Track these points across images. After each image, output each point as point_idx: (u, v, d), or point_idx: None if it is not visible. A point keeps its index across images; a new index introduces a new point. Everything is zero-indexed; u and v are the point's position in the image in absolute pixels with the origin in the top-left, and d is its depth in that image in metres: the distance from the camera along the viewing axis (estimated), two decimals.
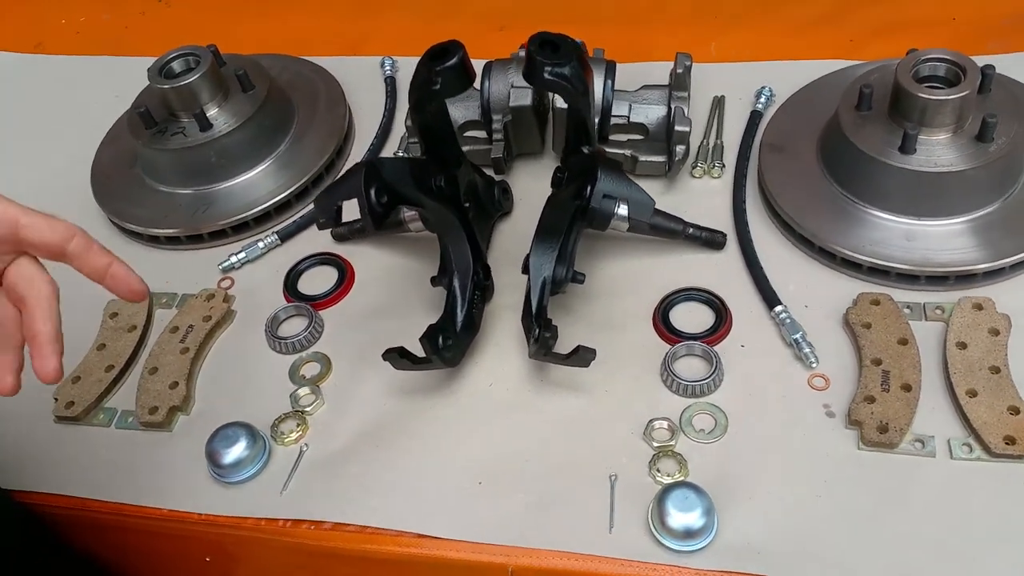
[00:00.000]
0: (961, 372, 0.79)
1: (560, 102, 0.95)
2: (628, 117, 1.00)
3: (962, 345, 0.81)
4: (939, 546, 0.71)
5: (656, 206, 0.85)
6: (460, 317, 0.83)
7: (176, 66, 1.03)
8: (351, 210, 0.86)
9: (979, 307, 0.83)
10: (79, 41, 1.39)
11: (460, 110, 1.01)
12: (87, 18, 1.42)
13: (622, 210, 0.86)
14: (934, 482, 0.75)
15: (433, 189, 0.85)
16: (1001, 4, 1.14)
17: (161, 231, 1.02)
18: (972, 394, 0.78)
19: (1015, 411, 0.76)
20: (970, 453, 0.76)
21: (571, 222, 0.83)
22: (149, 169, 1.05)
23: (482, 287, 0.87)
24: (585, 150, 0.86)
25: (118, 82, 1.22)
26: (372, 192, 0.77)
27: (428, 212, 0.84)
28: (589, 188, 0.75)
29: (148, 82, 1.03)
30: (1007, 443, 0.75)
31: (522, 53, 1.00)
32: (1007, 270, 0.86)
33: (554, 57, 0.79)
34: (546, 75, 0.78)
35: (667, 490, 0.74)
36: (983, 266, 0.85)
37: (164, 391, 0.88)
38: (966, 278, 0.86)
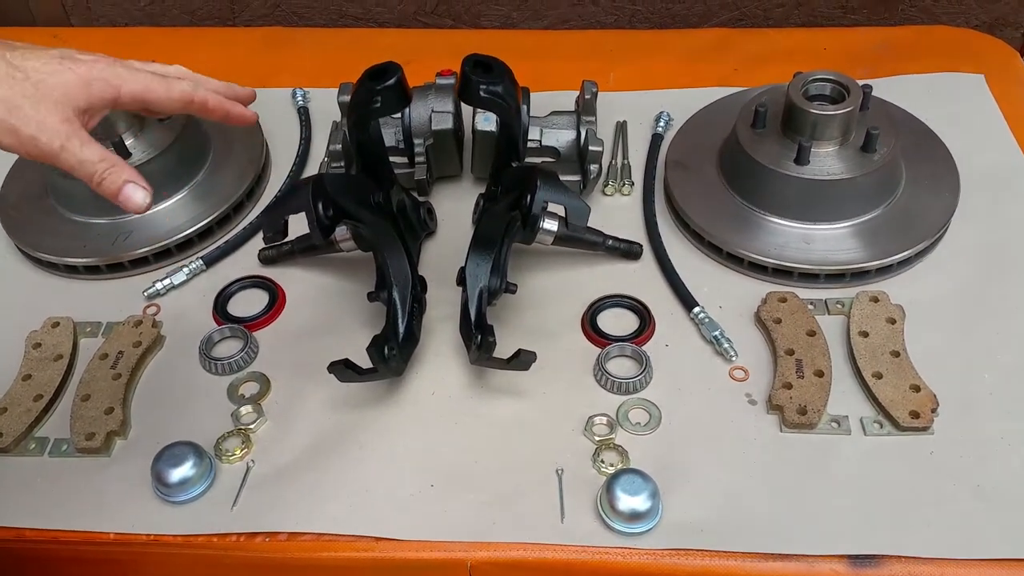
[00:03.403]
0: (866, 357, 0.87)
1: (480, 125, 1.00)
2: (540, 141, 1.06)
3: (864, 334, 0.89)
4: (861, 513, 0.78)
5: None
6: (402, 328, 0.86)
7: None
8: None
9: (875, 300, 0.92)
10: None
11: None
12: None
13: (549, 224, 0.91)
14: (851, 456, 0.82)
15: (372, 204, 0.88)
16: (865, 35, 1.26)
17: (80, 260, 1.00)
18: (878, 376, 0.86)
19: (916, 388, 0.84)
20: (881, 429, 0.83)
21: (504, 233, 0.88)
22: (63, 199, 1.04)
23: (419, 300, 0.90)
24: (514, 164, 0.90)
25: None
26: (319, 206, 0.80)
27: (367, 227, 0.86)
28: (529, 196, 0.79)
29: None
30: (912, 417, 0.83)
31: (439, 81, 1.05)
32: (895, 267, 0.95)
33: (487, 76, 0.84)
34: (481, 93, 0.83)
35: (615, 476, 0.78)
36: (875, 263, 0.94)
37: (100, 417, 0.87)
38: (860, 275, 0.95)
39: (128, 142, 1.01)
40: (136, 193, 0.71)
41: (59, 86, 0.67)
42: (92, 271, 1.01)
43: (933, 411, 0.83)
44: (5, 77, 0.66)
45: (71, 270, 1.02)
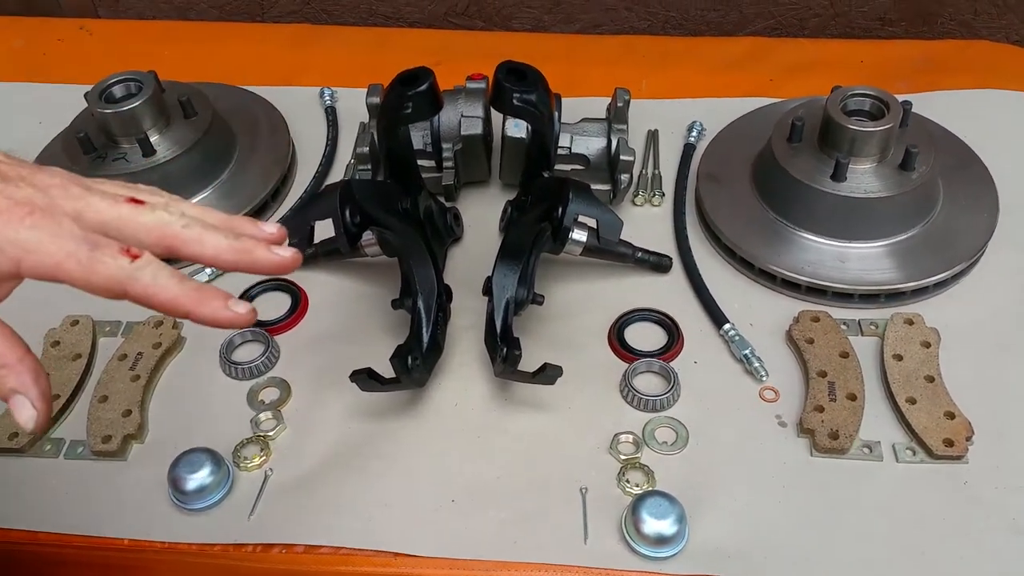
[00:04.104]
0: (900, 382, 0.85)
1: (510, 131, 0.98)
2: (570, 148, 1.04)
3: (898, 357, 0.87)
4: (891, 542, 0.76)
5: None
6: (426, 337, 0.84)
7: (117, 91, 1.01)
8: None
9: (910, 322, 0.89)
10: None
11: None
12: None
13: (579, 235, 0.89)
14: (883, 484, 0.80)
15: (399, 211, 0.86)
16: (903, 48, 1.24)
17: None
18: (912, 402, 0.83)
19: (951, 416, 0.82)
20: (914, 456, 0.81)
21: (533, 244, 0.86)
22: None
23: (444, 309, 0.88)
24: (545, 174, 0.89)
25: (41, 109, 1.19)
26: (347, 212, 0.78)
27: (395, 234, 0.85)
28: (561, 208, 0.77)
29: (74, 108, 1.01)
30: (946, 445, 0.80)
31: (469, 85, 1.03)
32: (931, 288, 0.93)
33: (521, 84, 0.82)
34: (515, 101, 0.81)
35: (640, 498, 0.76)
36: (911, 284, 0.91)
37: (117, 419, 0.86)
38: (895, 296, 0.92)
39: (153, 139, 1.00)
40: (22, 410, 0.52)
41: None
42: None
43: (968, 439, 0.81)
44: None
45: None
